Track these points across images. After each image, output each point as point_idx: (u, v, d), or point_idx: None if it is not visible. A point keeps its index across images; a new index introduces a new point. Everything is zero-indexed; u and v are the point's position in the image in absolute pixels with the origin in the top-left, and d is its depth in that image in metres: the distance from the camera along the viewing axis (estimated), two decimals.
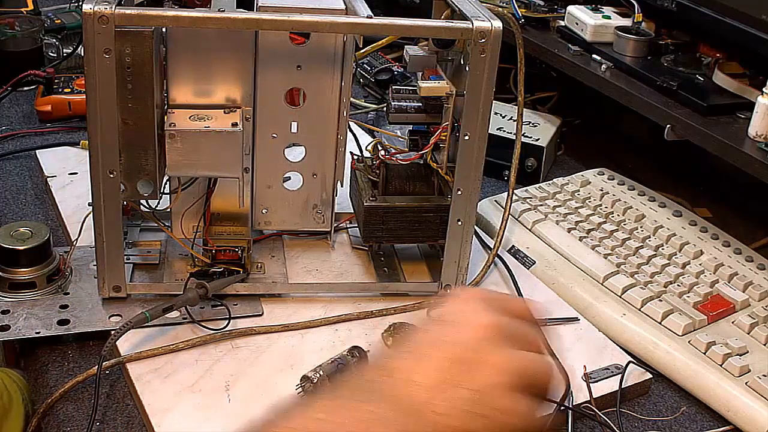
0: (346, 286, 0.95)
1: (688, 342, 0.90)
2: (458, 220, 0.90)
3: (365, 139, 1.17)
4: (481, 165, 0.88)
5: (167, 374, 0.81)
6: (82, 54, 0.83)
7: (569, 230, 1.07)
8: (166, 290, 0.90)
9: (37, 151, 1.19)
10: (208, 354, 0.84)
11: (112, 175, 0.82)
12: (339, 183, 0.97)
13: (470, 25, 0.82)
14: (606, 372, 0.86)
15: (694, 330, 0.92)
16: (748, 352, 0.89)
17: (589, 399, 0.82)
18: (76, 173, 1.13)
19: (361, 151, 1.11)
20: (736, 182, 1.19)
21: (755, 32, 1.05)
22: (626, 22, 1.25)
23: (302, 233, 1.02)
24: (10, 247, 0.88)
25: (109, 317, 0.87)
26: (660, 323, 0.92)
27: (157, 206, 0.94)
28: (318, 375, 0.79)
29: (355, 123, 1.24)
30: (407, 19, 0.84)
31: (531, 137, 1.25)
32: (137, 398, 0.79)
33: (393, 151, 0.97)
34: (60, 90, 1.32)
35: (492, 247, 1.00)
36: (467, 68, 0.84)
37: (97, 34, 0.76)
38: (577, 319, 0.94)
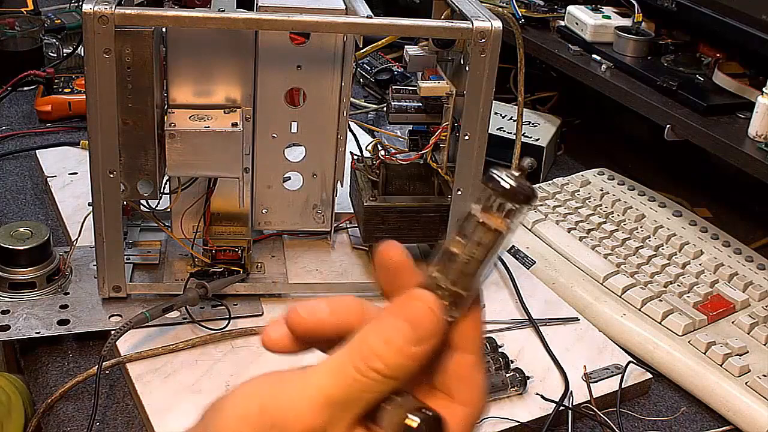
0: (346, 286, 0.95)
1: (688, 342, 0.90)
2: (458, 220, 0.90)
3: (365, 139, 1.17)
4: (481, 165, 0.88)
5: (167, 374, 0.81)
6: (82, 54, 0.83)
7: (569, 230, 1.07)
8: (166, 290, 0.90)
9: (37, 151, 1.19)
10: (208, 354, 0.84)
11: (112, 175, 0.82)
12: (339, 183, 0.97)
13: (470, 25, 0.82)
14: (606, 372, 0.86)
15: (694, 330, 0.92)
16: (748, 352, 0.89)
17: (589, 399, 0.82)
18: (76, 173, 1.13)
19: (361, 151, 1.11)
20: (736, 182, 1.19)
21: (755, 32, 1.05)
22: (626, 22, 1.25)
23: (302, 233, 1.02)
24: (10, 247, 0.88)
25: (109, 317, 0.87)
26: (660, 323, 0.92)
27: (157, 206, 0.94)
28: None
29: (355, 123, 1.24)
30: (407, 19, 0.84)
31: (531, 137, 1.25)
32: (137, 398, 0.79)
33: (393, 151, 0.97)
34: (60, 90, 1.32)
35: None
36: (467, 68, 0.84)
37: (97, 34, 0.76)
38: (577, 319, 0.94)
